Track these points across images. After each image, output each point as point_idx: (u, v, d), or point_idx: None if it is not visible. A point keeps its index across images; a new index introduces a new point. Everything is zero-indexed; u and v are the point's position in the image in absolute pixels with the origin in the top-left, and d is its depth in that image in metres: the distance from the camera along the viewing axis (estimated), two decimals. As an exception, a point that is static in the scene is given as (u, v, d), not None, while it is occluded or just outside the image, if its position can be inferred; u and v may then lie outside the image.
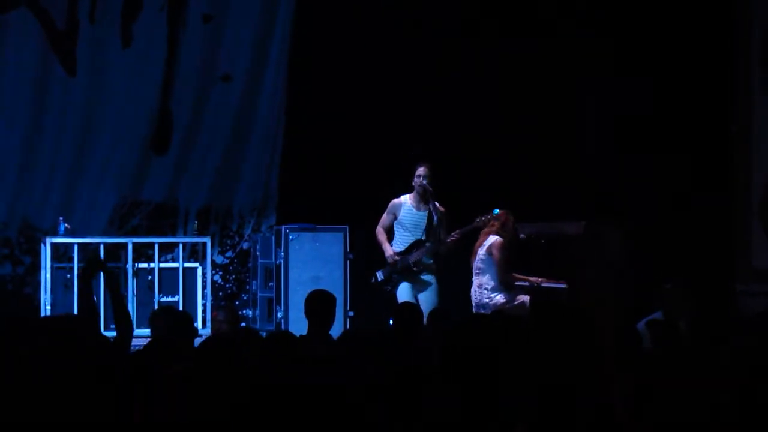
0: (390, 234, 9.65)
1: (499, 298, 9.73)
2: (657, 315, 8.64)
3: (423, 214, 9.56)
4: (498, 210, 9.67)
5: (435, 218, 9.48)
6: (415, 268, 9.48)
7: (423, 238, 9.54)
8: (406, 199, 9.60)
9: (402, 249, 9.54)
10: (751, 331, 6.20)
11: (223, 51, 11.90)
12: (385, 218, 9.65)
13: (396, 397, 4.32)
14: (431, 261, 9.56)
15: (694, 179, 11.05)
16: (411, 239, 9.54)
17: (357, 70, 11.73)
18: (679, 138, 11.20)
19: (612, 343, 5.25)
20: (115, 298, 5.89)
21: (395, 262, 9.47)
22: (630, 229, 10.25)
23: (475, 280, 9.84)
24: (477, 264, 9.82)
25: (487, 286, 9.76)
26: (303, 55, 11.97)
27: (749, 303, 10.07)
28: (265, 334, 7.42)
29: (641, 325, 7.42)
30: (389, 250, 9.52)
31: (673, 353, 5.45)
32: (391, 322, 7.17)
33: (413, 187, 9.57)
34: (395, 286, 9.51)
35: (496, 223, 9.79)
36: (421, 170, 9.48)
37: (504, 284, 9.72)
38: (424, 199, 9.53)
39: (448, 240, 9.52)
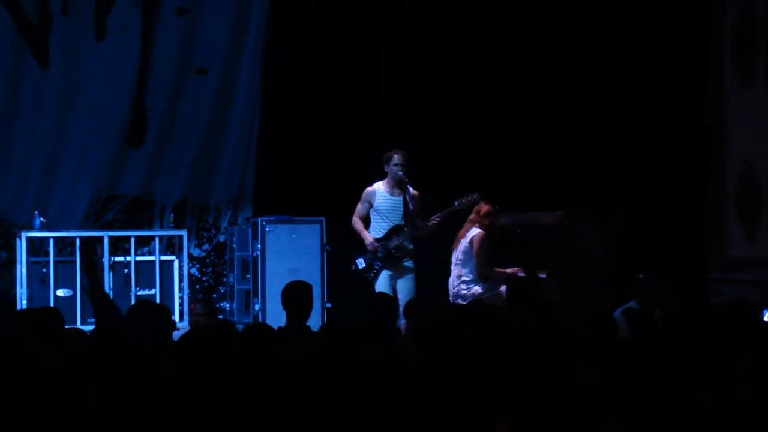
0: (366, 223, 9.63)
1: (477, 289, 9.77)
2: (631, 304, 8.70)
3: (398, 199, 9.55)
4: (476, 193, 9.66)
5: (410, 203, 9.47)
6: (396, 254, 9.47)
7: (401, 223, 9.53)
8: (380, 186, 9.58)
9: (381, 236, 9.52)
10: (724, 320, 6.25)
11: (198, 44, 11.87)
12: (360, 207, 9.63)
13: (370, 392, 4.34)
14: (411, 246, 9.55)
15: (669, 170, 11.10)
16: (388, 225, 9.52)
17: (332, 62, 11.74)
18: (653, 129, 11.25)
19: (585, 331, 5.28)
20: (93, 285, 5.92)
21: (376, 249, 9.46)
22: (605, 219, 10.30)
23: (455, 270, 9.88)
24: (458, 255, 9.85)
25: (465, 278, 9.80)
26: (278, 47, 11.96)
27: (725, 291, 10.13)
28: (242, 326, 7.44)
29: (617, 313, 7.45)
30: (369, 237, 9.51)
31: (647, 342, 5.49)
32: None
33: (386, 173, 9.54)
34: (377, 274, 9.49)
35: (477, 216, 9.83)
36: (396, 158, 9.45)
37: (482, 276, 9.77)
38: (399, 185, 9.51)
39: (429, 224, 9.51)
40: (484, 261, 9.77)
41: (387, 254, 9.46)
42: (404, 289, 9.38)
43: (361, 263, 9.56)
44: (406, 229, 9.47)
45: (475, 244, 9.74)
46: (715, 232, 10.45)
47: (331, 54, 11.74)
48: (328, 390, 3.99)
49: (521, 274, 9.91)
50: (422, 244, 9.68)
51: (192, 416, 3.99)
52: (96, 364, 4.67)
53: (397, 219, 9.51)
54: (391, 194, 9.54)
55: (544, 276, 9.92)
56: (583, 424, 3.91)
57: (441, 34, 11.81)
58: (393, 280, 9.47)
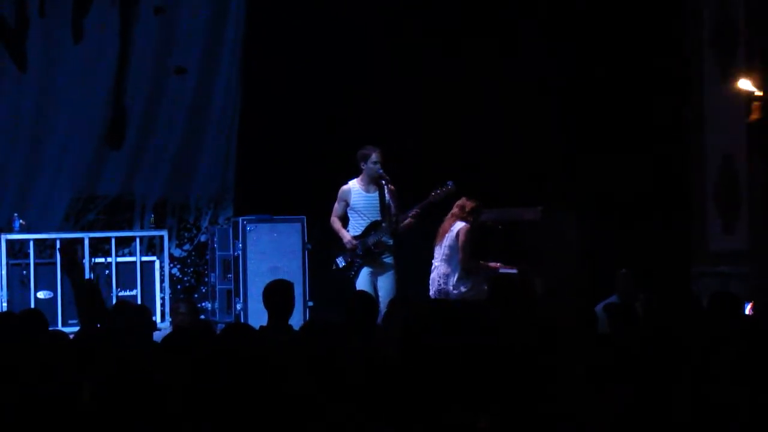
0: (344, 221, 9.61)
1: (462, 287, 9.78)
2: (612, 299, 8.73)
3: (374, 195, 9.53)
4: (451, 183, 9.63)
5: (387, 198, 9.45)
6: (376, 250, 9.46)
7: (378, 219, 9.51)
8: (354, 184, 9.56)
9: (359, 233, 9.51)
10: (706, 314, 6.27)
11: (176, 43, 11.84)
12: (337, 207, 9.61)
13: (357, 390, 4.34)
14: (391, 241, 9.54)
15: (649, 164, 11.13)
16: (366, 222, 9.51)
17: (312, 60, 11.72)
18: (634, 124, 11.27)
19: (567, 326, 5.29)
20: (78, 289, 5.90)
21: (355, 246, 9.44)
22: (586, 214, 10.32)
23: (440, 267, 9.86)
24: (443, 251, 9.84)
25: (452, 276, 9.79)
26: (257, 46, 11.95)
27: (705, 284, 10.17)
28: (223, 326, 7.42)
29: (599, 308, 7.47)
30: (347, 236, 9.49)
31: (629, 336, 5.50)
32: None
33: (361, 170, 9.51)
34: (357, 272, 9.47)
35: (461, 211, 9.84)
36: (375, 156, 9.44)
37: (467, 270, 9.79)
38: (375, 181, 9.49)
39: (407, 218, 9.48)
40: (470, 254, 9.79)
41: (366, 251, 9.44)
42: (385, 286, 9.36)
43: (341, 262, 9.54)
44: (383, 224, 9.46)
45: (461, 237, 9.77)
46: (695, 226, 10.48)
47: (310, 52, 11.73)
48: (308, 388, 3.99)
49: (503, 270, 9.93)
50: (400, 240, 9.66)
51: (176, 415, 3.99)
52: (81, 366, 4.65)
53: (374, 215, 9.49)
54: (367, 191, 9.52)
55: (526, 271, 9.94)
56: (564, 418, 3.92)
57: (420, 32, 11.81)
58: (374, 277, 9.45)
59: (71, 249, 8.70)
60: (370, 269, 9.44)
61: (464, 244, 9.76)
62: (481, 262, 9.97)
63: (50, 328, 6.22)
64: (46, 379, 4.45)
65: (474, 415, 3.74)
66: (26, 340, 5.60)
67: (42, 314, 6.16)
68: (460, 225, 9.82)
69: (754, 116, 9.55)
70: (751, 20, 10.08)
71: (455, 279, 9.80)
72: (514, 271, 9.93)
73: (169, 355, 4.85)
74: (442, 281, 9.84)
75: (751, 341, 5.22)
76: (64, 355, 4.95)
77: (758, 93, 9.57)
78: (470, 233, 9.79)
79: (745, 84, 9.66)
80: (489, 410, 3.75)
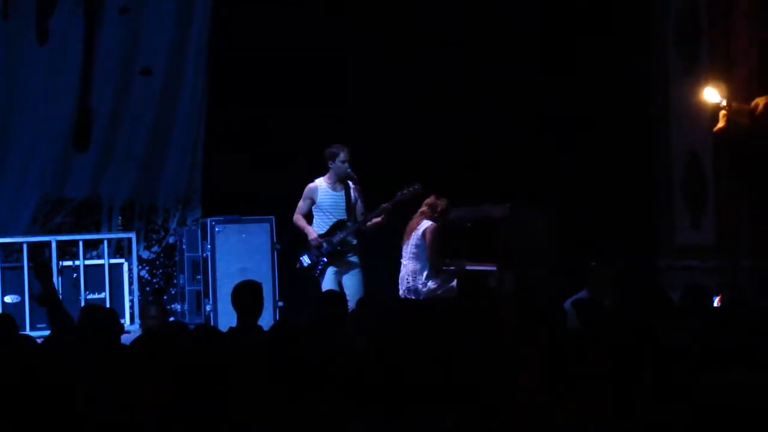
0: (308, 219, 9.60)
1: (431, 284, 9.81)
2: (582, 294, 8.75)
3: (341, 194, 9.52)
4: (417, 184, 9.65)
5: (353, 197, 9.45)
6: (341, 249, 9.45)
7: (344, 218, 9.51)
8: (321, 182, 9.54)
9: (324, 231, 9.49)
10: (676, 308, 6.31)
11: (141, 44, 11.79)
12: (302, 204, 9.59)
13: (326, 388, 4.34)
14: (355, 241, 9.54)
15: (616, 160, 11.17)
16: (331, 221, 9.49)
17: (278, 60, 11.71)
18: (599, 119, 11.31)
19: (535, 322, 5.31)
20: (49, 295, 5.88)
21: (320, 244, 9.43)
22: (554, 210, 10.35)
23: (409, 265, 9.90)
24: (411, 249, 9.89)
25: (420, 273, 9.83)
26: (223, 45, 11.91)
27: (672, 277, 10.23)
28: (192, 327, 7.39)
29: (567, 304, 7.49)
30: (312, 233, 9.46)
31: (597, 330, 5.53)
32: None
33: (329, 168, 9.50)
34: (323, 270, 9.45)
35: (429, 210, 9.88)
36: (343, 155, 9.43)
37: (435, 268, 9.84)
38: (342, 179, 9.48)
39: (373, 218, 9.47)
40: (437, 252, 9.83)
41: (331, 250, 9.43)
42: (351, 285, 9.35)
43: (305, 261, 9.51)
44: (348, 223, 9.45)
45: (428, 236, 9.82)
46: (662, 220, 10.53)
47: (276, 52, 11.71)
48: (276, 387, 3.99)
49: (468, 267, 9.97)
50: (367, 238, 9.66)
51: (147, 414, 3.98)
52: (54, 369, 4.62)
53: (339, 214, 9.48)
54: (334, 189, 9.51)
55: (494, 269, 9.97)
56: (533, 413, 3.93)
57: (387, 32, 11.82)
58: (339, 276, 9.44)
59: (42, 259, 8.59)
60: (335, 268, 9.43)
61: (431, 242, 9.81)
62: (449, 260, 10.01)
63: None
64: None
65: (441, 413, 3.75)
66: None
67: (13, 318, 6.12)
68: (426, 224, 9.87)
69: (720, 125, 9.60)
70: (714, 17, 10.14)
71: (424, 276, 9.84)
72: (483, 268, 9.96)
73: (139, 359, 4.83)
74: (410, 279, 9.87)
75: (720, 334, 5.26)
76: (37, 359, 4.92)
77: (724, 103, 9.63)
78: (437, 232, 9.84)
79: (710, 94, 9.72)
80: (455, 408, 3.76)
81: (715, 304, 7.22)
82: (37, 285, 6.66)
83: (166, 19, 11.83)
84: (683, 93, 10.41)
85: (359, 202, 9.47)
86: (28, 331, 9.94)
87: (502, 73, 11.64)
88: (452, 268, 9.99)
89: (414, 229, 9.93)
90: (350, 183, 9.43)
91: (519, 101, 11.69)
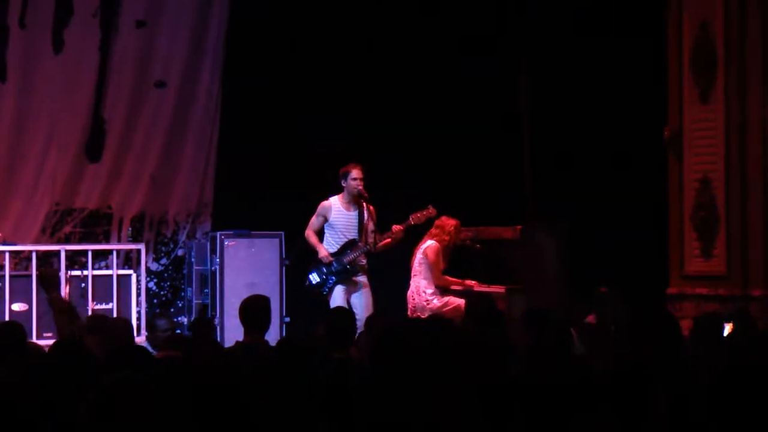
0: (319, 236, 9.60)
1: (436, 302, 9.82)
2: (591, 318, 8.72)
3: (354, 214, 9.54)
4: (430, 206, 9.71)
5: (365, 218, 9.46)
6: (350, 268, 9.46)
7: (355, 237, 9.51)
8: (335, 201, 9.56)
9: (334, 250, 9.50)
10: (684, 337, 6.28)
11: (156, 57, 11.82)
12: (314, 221, 9.60)
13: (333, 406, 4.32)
14: (364, 261, 9.55)
15: (629, 185, 11.15)
16: (342, 240, 9.51)
17: (292, 76, 11.73)
18: (613, 145, 11.30)
19: (542, 346, 5.29)
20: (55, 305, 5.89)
21: (330, 262, 9.43)
22: (564, 234, 10.33)
23: (413, 283, 9.97)
24: (415, 266, 9.96)
25: (424, 290, 9.87)
26: (238, 60, 11.95)
27: (683, 306, 10.18)
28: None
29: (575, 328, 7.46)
30: (323, 251, 9.48)
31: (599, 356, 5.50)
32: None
33: (342, 187, 9.52)
34: (331, 289, 9.46)
35: (438, 230, 9.92)
36: (354, 173, 9.44)
37: (438, 287, 9.87)
38: (355, 200, 9.50)
39: (385, 239, 9.48)
40: (440, 271, 9.87)
41: (341, 269, 9.43)
42: (360, 303, 9.36)
43: (314, 279, 9.51)
44: (360, 244, 9.46)
45: (430, 255, 9.87)
46: (673, 247, 10.50)
47: (290, 68, 11.74)
48: (281, 404, 3.97)
49: (477, 289, 9.97)
50: (380, 257, 9.67)
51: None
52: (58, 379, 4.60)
53: (352, 234, 9.50)
54: (347, 209, 9.53)
55: (503, 291, 9.95)
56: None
57: (401, 52, 11.83)
58: (347, 294, 9.45)
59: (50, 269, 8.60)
60: (344, 287, 9.44)
61: (433, 263, 9.86)
62: (455, 279, 10.03)
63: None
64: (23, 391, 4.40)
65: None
66: (5, 352, 5.55)
67: (21, 326, 6.11)
68: (429, 243, 9.91)
69: None
70: (730, 44, 10.13)
71: (428, 294, 9.86)
72: (492, 289, 9.94)
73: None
74: (416, 297, 9.91)
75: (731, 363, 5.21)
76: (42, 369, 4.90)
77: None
78: (439, 251, 9.87)
79: None
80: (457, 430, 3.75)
81: (725, 333, 7.18)
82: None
83: (181, 34, 11.87)
84: (698, 120, 10.38)
85: (371, 223, 9.48)
86: (34, 339, 9.93)
87: (517, 94, 11.64)
88: (460, 288, 10.00)
89: (419, 248, 9.99)
90: (364, 204, 9.44)
91: (532, 125, 11.68)
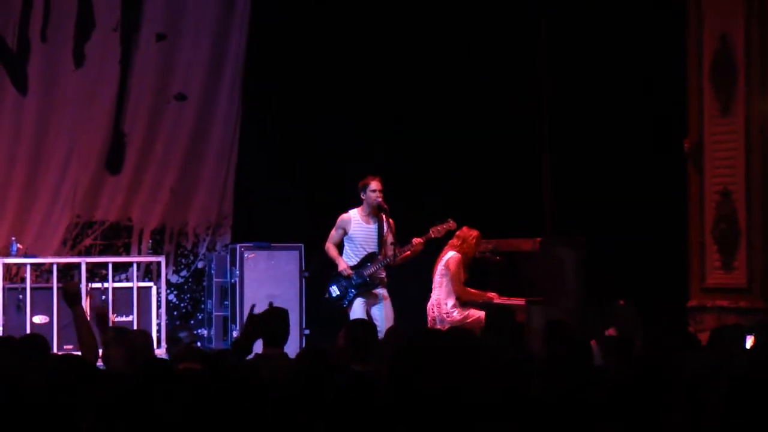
0: (339, 249, 9.61)
1: (456, 315, 9.80)
2: (611, 330, 8.68)
3: (373, 227, 9.54)
4: (450, 219, 9.72)
5: (385, 230, 9.46)
6: (369, 280, 9.46)
7: (375, 251, 9.51)
8: (355, 214, 9.56)
9: (354, 263, 9.50)
10: (704, 348, 6.25)
11: (176, 70, 11.87)
12: (334, 234, 9.60)
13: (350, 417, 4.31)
14: (384, 274, 9.55)
15: (649, 196, 11.13)
16: (362, 253, 9.52)
17: (311, 89, 11.76)
18: (633, 158, 11.28)
19: (562, 358, 5.27)
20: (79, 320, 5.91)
21: (350, 274, 9.43)
22: (584, 246, 10.31)
23: (433, 295, 9.94)
24: (436, 278, 9.93)
25: (444, 303, 9.84)
26: (258, 73, 11.98)
27: (703, 319, 10.14)
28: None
29: (595, 340, 7.43)
30: (343, 263, 9.48)
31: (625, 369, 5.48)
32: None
33: (362, 200, 9.52)
34: (351, 302, 9.46)
35: (458, 241, 9.90)
36: (373, 185, 9.44)
37: (459, 299, 9.84)
38: (375, 212, 9.50)
39: (405, 252, 9.48)
40: (461, 282, 9.84)
41: (361, 282, 9.44)
42: (380, 315, 9.35)
43: (334, 291, 9.52)
44: (379, 257, 9.46)
45: (451, 267, 9.84)
46: (693, 259, 10.46)
47: (309, 80, 11.77)
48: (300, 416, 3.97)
49: (497, 301, 9.94)
50: (399, 268, 9.67)
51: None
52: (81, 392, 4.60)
53: (371, 247, 9.50)
54: (367, 222, 9.53)
55: (523, 303, 9.93)
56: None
57: (419, 63, 11.84)
58: (367, 306, 9.45)
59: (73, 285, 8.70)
60: (364, 299, 9.45)
61: (455, 273, 9.83)
62: (476, 291, 10.00)
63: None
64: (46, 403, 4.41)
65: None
66: (29, 364, 5.56)
67: (45, 339, 6.12)
68: (450, 254, 9.89)
69: None
70: (750, 56, 10.10)
71: (449, 306, 9.84)
72: (512, 302, 9.92)
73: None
74: (436, 309, 9.90)
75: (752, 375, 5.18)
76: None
77: None
78: (460, 263, 9.85)
79: None
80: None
81: (748, 346, 7.14)
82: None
83: (202, 46, 11.91)
84: (718, 132, 10.35)
85: (390, 235, 9.48)
86: (55, 352, 9.97)
87: (540, 106, 11.62)
88: (480, 300, 9.98)
89: (440, 259, 9.96)
90: (384, 217, 9.44)
91: (553, 138, 11.67)
